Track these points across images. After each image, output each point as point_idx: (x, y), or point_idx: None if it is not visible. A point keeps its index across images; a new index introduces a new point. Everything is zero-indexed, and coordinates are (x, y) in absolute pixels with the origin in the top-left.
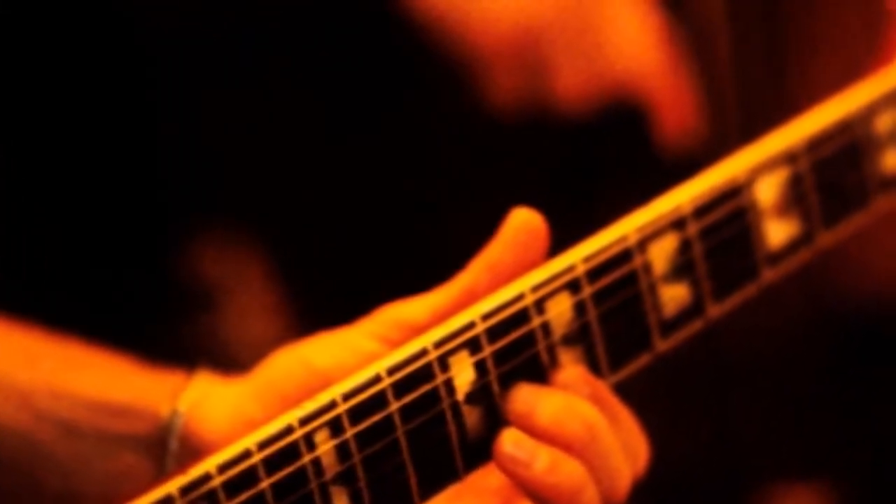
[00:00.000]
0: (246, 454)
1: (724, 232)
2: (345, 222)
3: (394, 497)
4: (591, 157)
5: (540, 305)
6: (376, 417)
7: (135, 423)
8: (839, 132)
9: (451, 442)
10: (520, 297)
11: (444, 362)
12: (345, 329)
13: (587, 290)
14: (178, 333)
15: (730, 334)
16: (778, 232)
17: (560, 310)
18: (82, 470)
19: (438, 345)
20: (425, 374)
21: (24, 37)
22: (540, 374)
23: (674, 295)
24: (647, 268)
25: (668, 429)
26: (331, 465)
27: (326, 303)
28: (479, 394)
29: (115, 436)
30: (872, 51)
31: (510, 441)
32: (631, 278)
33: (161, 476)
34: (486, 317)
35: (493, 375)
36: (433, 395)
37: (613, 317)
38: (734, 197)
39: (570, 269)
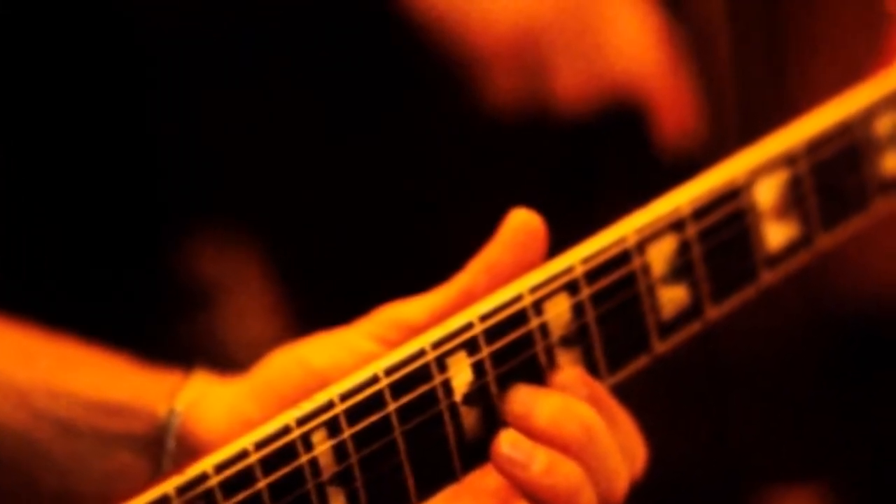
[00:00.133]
0: (243, 454)
1: (722, 234)
2: (343, 222)
3: (391, 498)
4: (590, 158)
5: (538, 306)
6: (374, 418)
7: (132, 423)
8: (839, 134)
9: (449, 443)
10: (518, 298)
11: (441, 363)
12: (342, 329)
13: (585, 292)
14: (175, 333)
15: (728, 336)
16: (777, 234)
17: (558, 311)
18: (79, 469)
19: (436, 345)
20: (423, 374)
21: (24, 36)
22: (538, 375)
23: (672, 297)
24: (646, 269)
25: (666, 430)
26: (328, 465)
27: (324, 303)
28: (477, 395)
29: (112, 435)
30: (872, 53)
31: (508, 442)
32: (629, 280)
33: (158, 475)
34: (484, 318)
35: (490, 376)
36: (431, 396)
37: (612, 318)
38: (733, 199)
39: (569, 270)
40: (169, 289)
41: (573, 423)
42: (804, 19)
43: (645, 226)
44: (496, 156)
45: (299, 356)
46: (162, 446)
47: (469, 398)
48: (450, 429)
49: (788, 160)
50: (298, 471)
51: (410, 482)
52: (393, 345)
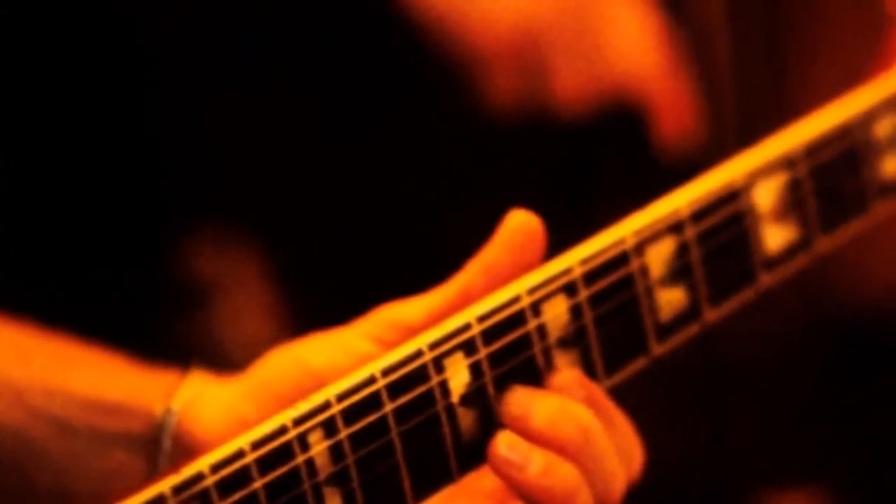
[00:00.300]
0: (239, 454)
1: (721, 236)
2: (342, 222)
3: (387, 498)
4: (590, 159)
5: (536, 308)
6: (370, 418)
7: (128, 422)
8: (838, 137)
9: (446, 444)
10: (516, 300)
11: (439, 364)
12: (340, 329)
13: (583, 293)
14: (173, 332)
15: (726, 338)
16: (776, 237)
17: (556, 312)
18: (75, 468)
19: (434, 346)
20: (420, 375)
21: (23, 36)
22: (535, 376)
23: (670, 299)
24: (644, 271)
25: (663, 433)
26: (324, 465)
27: (322, 303)
28: (474, 396)
29: (109, 434)
30: (872, 56)
31: (504, 443)
32: (627, 282)
33: (154, 475)
34: (481, 319)
35: (488, 377)
36: (428, 397)
37: (610, 320)
38: (732, 201)
39: (567, 271)
40: (166, 288)
41: (570, 424)
42: (804, 21)
43: (643, 227)
44: (495, 156)
45: (296, 356)
46: (158, 446)
47: (466, 399)
48: (447, 430)
49: (788, 163)
50: (295, 471)
51: (407, 483)
52: (390, 345)
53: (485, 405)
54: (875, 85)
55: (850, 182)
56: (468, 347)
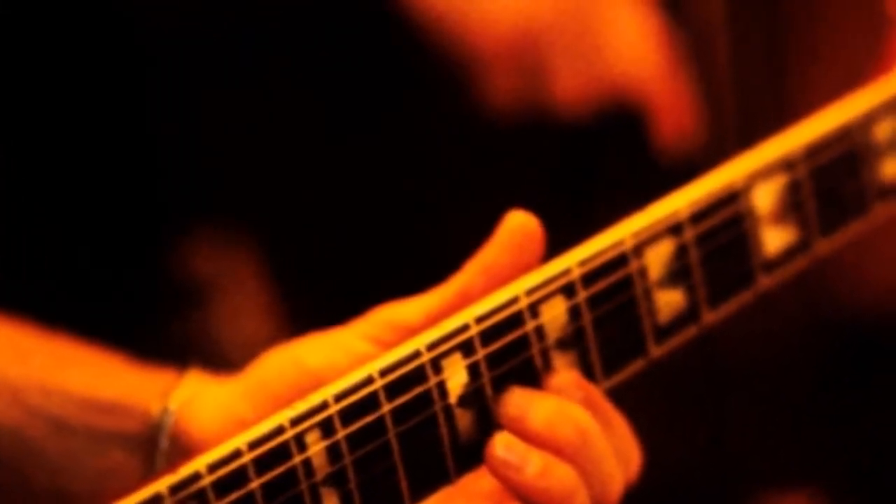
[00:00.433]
0: (236, 454)
1: (720, 238)
2: (340, 222)
3: (384, 499)
4: (589, 160)
5: (534, 309)
6: (368, 419)
7: (125, 421)
8: (838, 139)
9: (443, 445)
10: (514, 301)
11: (437, 365)
12: (338, 329)
13: (582, 295)
14: (170, 331)
15: (725, 340)
16: (775, 239)
17: (554, 314)
18: (72, 467)
19: (431, 347)
20: (418, 376)
21: (23, 36)
22: (533, 377)
23: (669, 300)
24: (643, 273)
25: (661, 434)
26: (321, 466)
27: (320, 302)
28: (472, 397)
29: (105, 433)
30: (872, 58)
31: (502, 445)
32: (626, 283)
33: (150, 474)
34: (479, 319)
35: (486, 378)
36: (425, 398)
37: (608, 322)
38: (731, 203)
39: (566, 272)
40: (164, 287)
41: (568, 426)
42: (804, 23)
43: (642, 229)
44: (494, 157)
45: (294, 356)
46: (155, 445)
47: (464, 400)
48: (444, 431)
49: (787, 165)
50: (292, 471)
51: (404, 484)
52: (388, 346)
53: (482, 406)
54: (875, 87)
55: (850, 184)
56: (466, 348)
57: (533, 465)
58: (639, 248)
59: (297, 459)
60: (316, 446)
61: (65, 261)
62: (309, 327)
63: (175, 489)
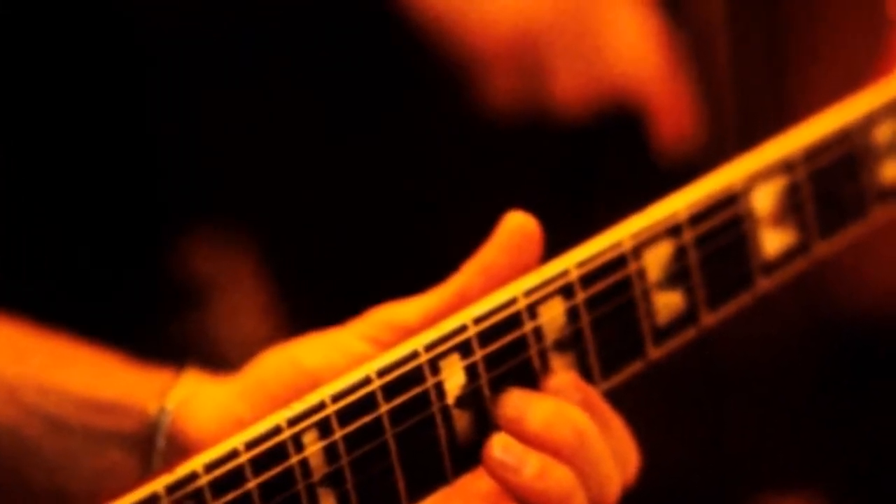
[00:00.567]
0: (233, 454)
1: (719, 240)
2: (339, 222)
3: (381, 500)
4: (588, 161)
5: (532, 310)
6: (365, 419)
7: (122, 420)
8: (837, 142)
9: (441, 446)
10: (512, 302)
11: (434, 365)
12: (335, 330)
13: (580, 296)
14: (167, 331)
15: (723, 342)
16: (774, 241)
17: (553, 315)
18: (69, 466)
19: (429, 348)
20: (416, 376)
21: (23, 35)
22: (531, 379)
23: (668, 302)
24: (642, 274)
25: (659, 436)
26: (318, 466)
27: (318, 303)
28: (470, 398)
29: (103, 432)
30: (873, 60)
31: (500, 446)
32: (625, 284)
33: (147, 474)
34: (478, 320)
35: (483, 379)
36: (423, 399)
37: (606, 323)
38: (730, 205)
39: (564, 273)
40: (162, 287)
41: (566, 427)
42: (804, 25)
43: (641, 230)
44: (493, 158)
45: (291, 356)
46: (152, 445)
47: (462, 401)
48: (442, 431)
49: (786, 167)
50: (289, 471)
51: (401, 484)
52: (386, 346)
53: (480, 407)
54: (875, 89)
55: (849, 187)
56: (464, 349)
57: (530, 466)
58: (637, 250)
59: (295, 459)
60: (313, 446)
61: (63, 260)
62: (307, 327)
63: (172, 489)
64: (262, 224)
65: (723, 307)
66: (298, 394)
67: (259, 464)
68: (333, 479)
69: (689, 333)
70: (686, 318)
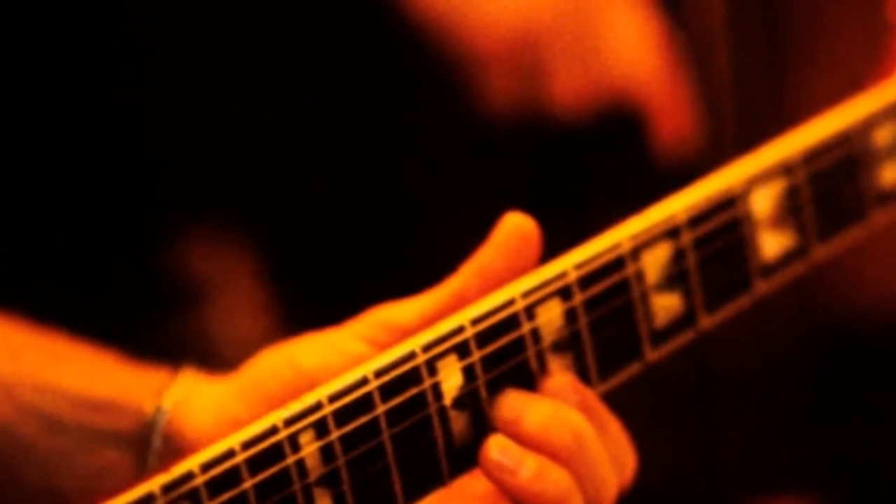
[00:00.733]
0: (229, 454)
1: (718, 242)
2: (336, 223)
3: (378, 500)
4: (586, 162)
5: (530, 311)
6: (362, 420)
7: (118, 419)
8: (837, 145)
9: (437, 447)
10: (510, 303)
11: (432, 366)
12: (333, 330)
13: (578, 298)
14: (164, 330)
15: (721, 345)
16: (772, 244)
17: (550, 316)
18: (64, 465)
19: (427, 348)
20: (413, 377)
21: (14, 30)
22: (528, 380)
23: (666, 304)
24: (640, 276)
25: (656, 439)
26: (315, 466)
27: (315, 303)
28: (467, 399)
29: (98, 431)
30: (873, 63)
31: (496, 447)
32: (623, 286)
33: (143, 473)
34: (475, 321)
35: (481, 381)
36: (420, 399)
37: (604, 325)
38: (729, 207)
39: (562, 275)
40: (159, 286)
41: (563, 429)
42: (804, 27)
43: (640, 232)
44: (492, 158)
45: (288, 356)
46: (148, 444)
47: (459, 402)
48: (438, 433)
49: (785, 169)
50: (285, 472)
51: (398, 485)
52: (383, 347)
53: (477, 408)
54: (875, 92)
55: (848, 190)
56: (461, 350)
57: (527, 468)
58: (636, 252)
59: (291, 460)
60: (309, 447)
61: (59, 258)
62: (304, 327)
63: (167, 488)
64: (260, 223)
65: (721, 310)
66: (295, 394)
67: (255, 464)
68: (330, 480)
69: (687, 336)
70: (684, 320)
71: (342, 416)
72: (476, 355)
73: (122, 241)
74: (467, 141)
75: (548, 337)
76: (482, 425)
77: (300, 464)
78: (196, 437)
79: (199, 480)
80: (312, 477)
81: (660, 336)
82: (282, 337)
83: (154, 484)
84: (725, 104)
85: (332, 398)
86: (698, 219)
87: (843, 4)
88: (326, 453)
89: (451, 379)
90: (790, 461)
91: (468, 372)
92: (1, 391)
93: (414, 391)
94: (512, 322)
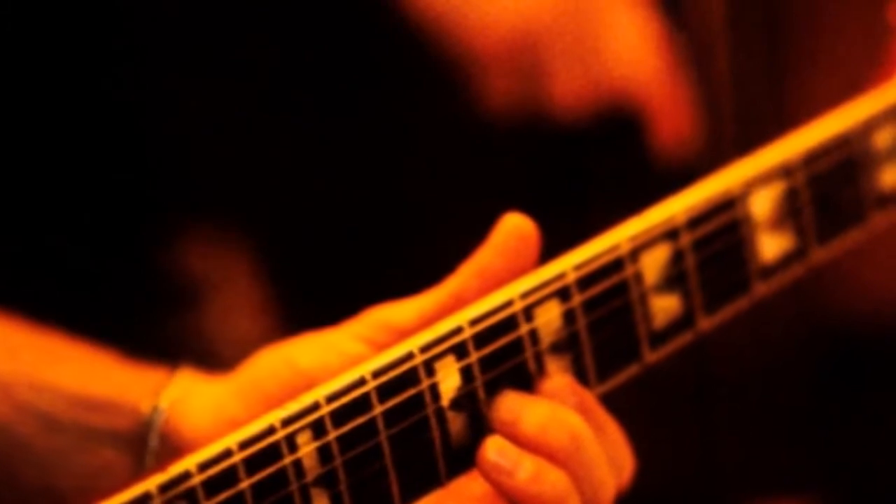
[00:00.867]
0: (227, 453)
1: (717, 244)
2: (335, 223)
3: (375, 501)
4: (586, 163)
5: (529, 312)
6: (360, 420)
7: (115, 419)
8: (836, 147)
9: (435, 447)
10: (508, 304)
11: (429, 367)
12: (331, 330)
13: (577, 299)
14: (162, 329)
15: (719, 347)
16: (771, 246)
17: (549, 317)
18: (60, 464)
19: (425, 349)
20: (410, 378)
21: (12, 29)
22: (526, 381)
23: (664, 306)
24: (639, 278)
25: (654, 441)
26: (312, 467)
27: (313, 303)
28: (465, 400)
29: (95, 430)
30: (873, 65)
31: (494, 449)
32: (621, 288)
33: (140, 473)
34: (473, 322)
35: (479, 382)
36: (418, 400)
37: (603, 326)
38: (728, 209)
39: (561, 276)
40: (157, 285)
41: (561, 431)
42: (805, 29)
43: (639, 234)
44: (491, 159)
45: (286, 356)
46: (145, 443)
47: (456, 403)
48: (436, 433)
49: (785, 172)
50: (282, 472)
51: (395, 486)
52: (381, 347)
53: (475, 409)
54: (875, 95)
55: (848, 192)
56: (459, 351)
57: (525, 469)
58: (635, 253)
59: (288, 460)
60: (307, 447)
61: (56, 257)
62: (302, 327)
63: (164, 488)
64: (258, 223)
65: (720, 312)
66: (293, 394)
67: (252, 464)
68: (327, 480)
69: (686, 338)
70: (683, 322)
71: (340, 416)
72: (474, 356)
73: (120, 241)
74: (467, 141)
75: (546, 338)
76: (480, 426)
77: (297, 464)
78: (193, 436)
79: (196, 480)
80: (310, 477)
81: (658, 337)
82: (280, 337)
83: (151, 483)
84: (725, 106)
85: (330, 398)
86: (697, 220)
87: (844, 6)
88: (324, 453)
89: (448, 380)
90: (789, 463)
91: (466, 373)
92: None
93: (412, 392)
94: (510, 323)
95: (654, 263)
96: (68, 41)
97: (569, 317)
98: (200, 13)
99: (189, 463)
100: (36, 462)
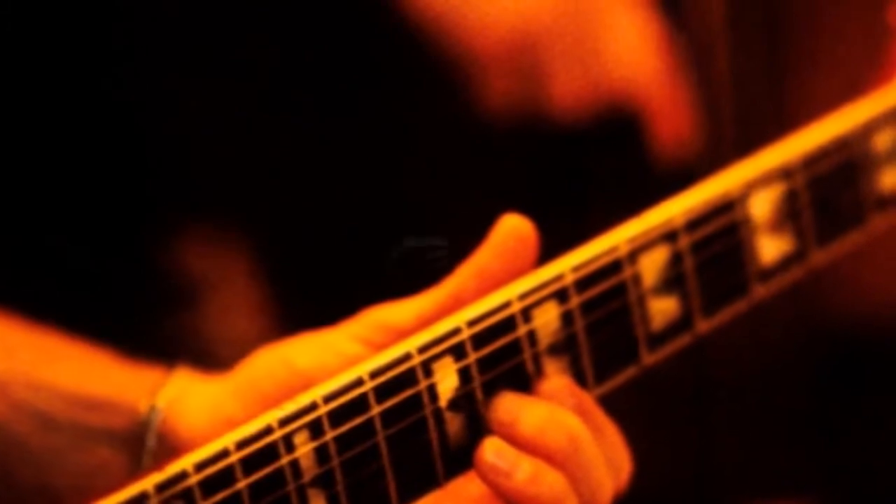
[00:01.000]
0: (224, 453)
1: (715, 246)
2: (333, 223)
3: (372, 502)
4: (585, 165)
5: (527, 314)
6: (357, 421)
7: (112, 418)
8: (836, 149)
9: (432, 448)
10: (507, 305)
11: (427, 368)
12: (328, 330)
13: (575, 300)
14: (159, 328)
15: (718, 349)
16: (770, 248)
17: (547, 319)
18: (57, 463)
19: (423, 350)
20: (408, 378)
21: (13, 29)
22: (524, 383)
23: (662, 308)
24: (637, 280)
25: (652, 443)
26: (309, 467)
27: (311, 303)
28: (462, 401)
29: (92, 430)
30: (873, 68)
31: (492, 450)
32: (620, 289)
33: (137, 472)
34: (471, 323)
35: (476, 383)
36: (415, 401)
37: (601, 328)
38: (727, 211)
39: (559, 278)
40: (154, 284)
41: (559, 432)
42: (805, 31)
43: (637, 235)
44: (490, 160)
45: (284, 356)
46: (142, 443)
47: (454, 404)
48: (434, 434)
49: (785, 174)
50: (279, 472)
51: (392, 487)
52: (379, 347)
53: (473, 410)
54: (875, 97)
55: (847, 195)
56: (457, 352)
57: (522, 471)
58: (633, 255)
59: (285, 460)
60: (304, 447)
61: (54, 256)
62: (299, 327)
63: (161, 487)
64: (256, 222)
65: (718, 314)
66: (290, 394)
67: (249, 464)
68: (324, 481)
69: (684, 340)
70: (681, 324)
71: (337, 416)
72: (472, 357)
73: (118, 240)
74: (466, 141)
75: (544, 339)
76: (477, 427)
77: (294, 464)
78: (190, 436)
79: (193, 480)
80: (307, 477)
81: (656, 339)
82: (277, 337)
83: (148, 483)
84: (725, 107)
85: (328, 399)
86: (696, 222)
87: (844, 7)
88: (321, 454)
89: (446, 380)
90: (787, 466)
91: (464, 374)
92: None
93: (409, 392)
94: (508, 324)
95: (652, 265)
96: (68, 41)
97: (567, 318)
98: (200, 13)
99: (186, 463)
100: (32, 461)
